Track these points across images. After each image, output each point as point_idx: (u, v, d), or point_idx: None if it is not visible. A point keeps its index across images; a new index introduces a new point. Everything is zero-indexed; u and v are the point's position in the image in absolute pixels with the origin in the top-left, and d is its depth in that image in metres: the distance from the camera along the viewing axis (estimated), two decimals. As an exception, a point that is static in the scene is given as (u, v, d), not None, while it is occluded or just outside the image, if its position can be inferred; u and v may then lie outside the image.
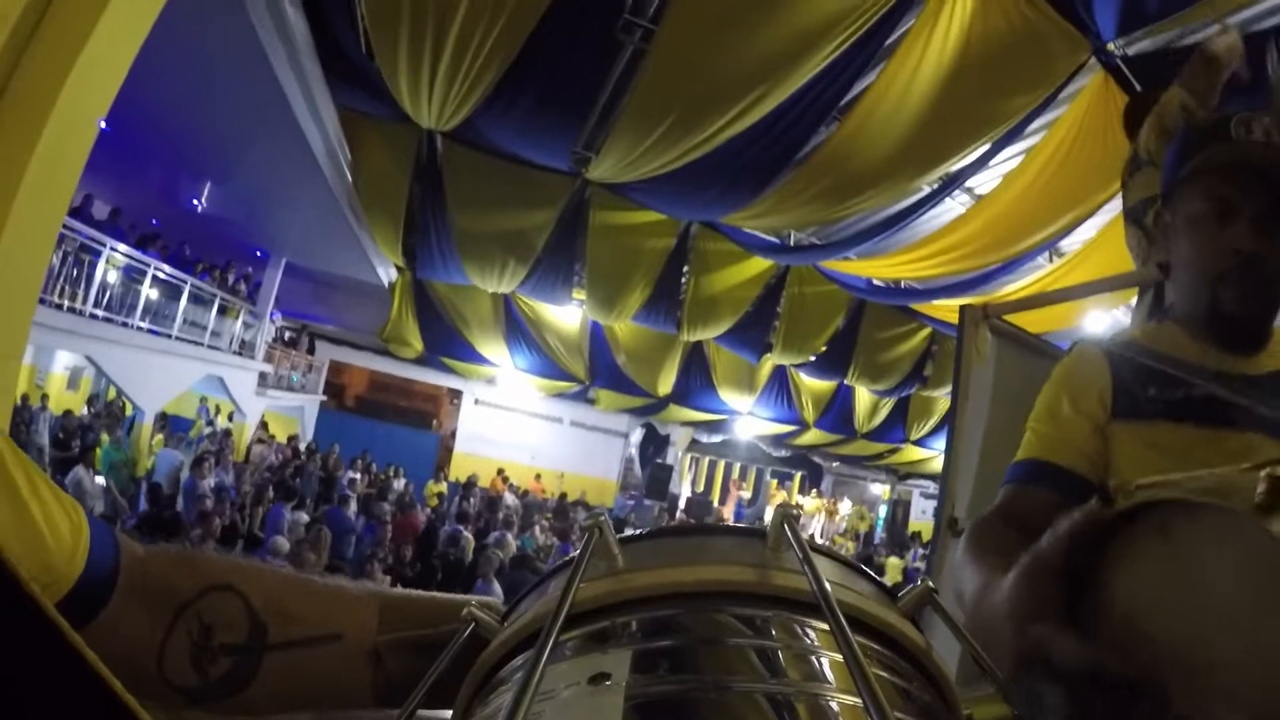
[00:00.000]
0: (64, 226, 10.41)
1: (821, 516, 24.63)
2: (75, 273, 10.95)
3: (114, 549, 0.69)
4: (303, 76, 8.32)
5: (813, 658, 0.49)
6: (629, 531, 0.64)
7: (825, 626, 0.48)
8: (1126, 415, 1.28)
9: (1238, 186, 1.23)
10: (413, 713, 0.55)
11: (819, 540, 17.06)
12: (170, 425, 14.91)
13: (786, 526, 0.58)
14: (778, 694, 0.45)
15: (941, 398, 20.25)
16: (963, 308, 3.42)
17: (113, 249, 11.69)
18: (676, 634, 0.51)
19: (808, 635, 0.51)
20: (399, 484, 16.48)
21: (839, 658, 0.46)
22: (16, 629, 0.39)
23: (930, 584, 0.61)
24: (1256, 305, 1.25)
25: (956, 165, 9.24)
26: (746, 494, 27.45)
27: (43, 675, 0.40)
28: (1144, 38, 7.25)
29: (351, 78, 9.06)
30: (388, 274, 16.49)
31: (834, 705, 0.44)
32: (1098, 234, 9.80)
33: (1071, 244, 10.84)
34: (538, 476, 22.09)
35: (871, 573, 0.64)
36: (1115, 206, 8.89)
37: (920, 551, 20.82)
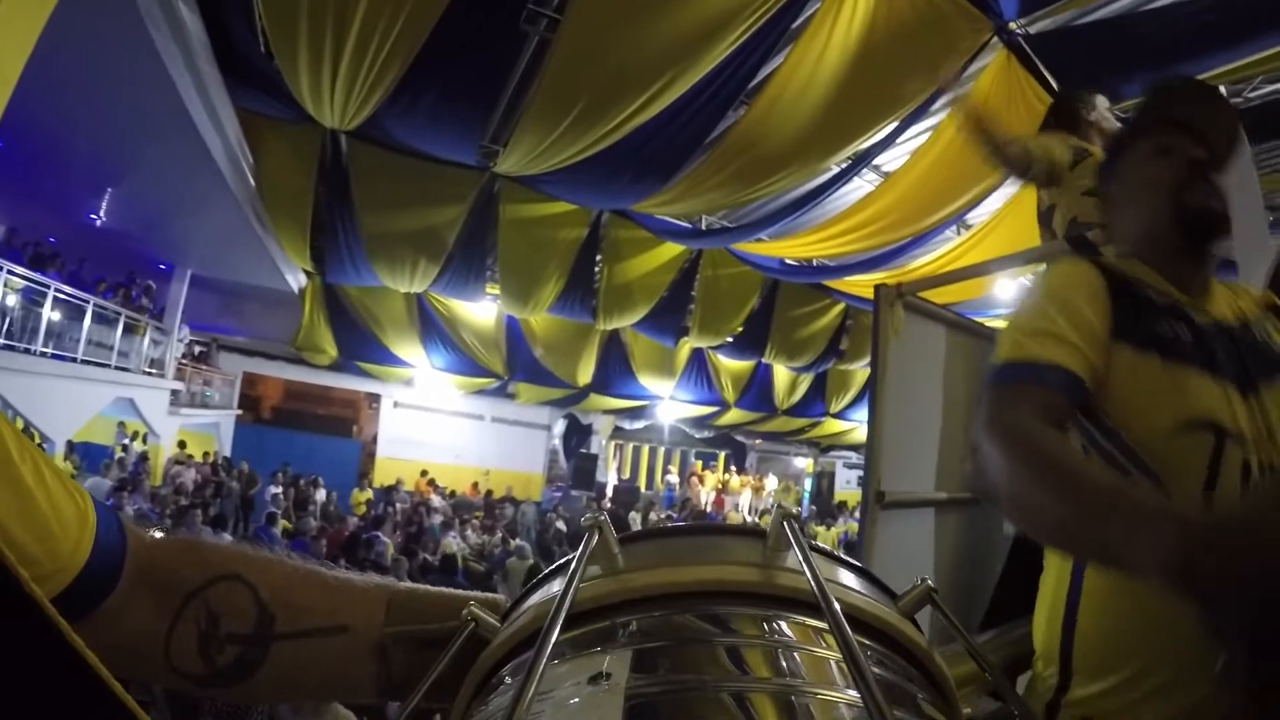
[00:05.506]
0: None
1: (748, 493, 24.89)
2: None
3: (120, 536, 0.69)
4: (199, 79, 8.04)
5: (812, 657, 0.49)
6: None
7: (825, 626, 0.49)
8: (1124, 338, 1.30)
9: (1175, 134, 1.44)
10: (413, 710, 0.56)
11: (746, 516, 17.19)
12: (84, 453, 14.39)
13: (786, 526, 0.58)
14: (777, 693, 0.45)
15: (859, 370, 20.62)
16: (877, 287, 3.51)
17: (9, 272, 11.24)
18: (676, 634, 0.52)
19: (807, 635, 0.51)
20: (320, 495, 16.18)
21: (839, 657, 0.46)
22: (14, 628, 0.39)
23: (930, 583, 0.60)
24: (1216, 202, 1.36)
25: (864, 144, 9.40)
26: (675, 478, 27.60)
27: (41, 675, 0.39)
28: (1044, 17, 7.49)
29: (250, 78, 8.79)
30: (297, 280, 16.04)
31: (834, 705, 0.44)
32: (1003, 206, 10.11)
33: (978, 216, 11.14)
34: (475, 484, 21.83)
35: (873, 573, 0.64)
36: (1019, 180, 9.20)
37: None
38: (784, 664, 0.48)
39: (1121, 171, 1.52)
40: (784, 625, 0.52)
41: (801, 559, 0.53)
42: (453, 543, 13.03)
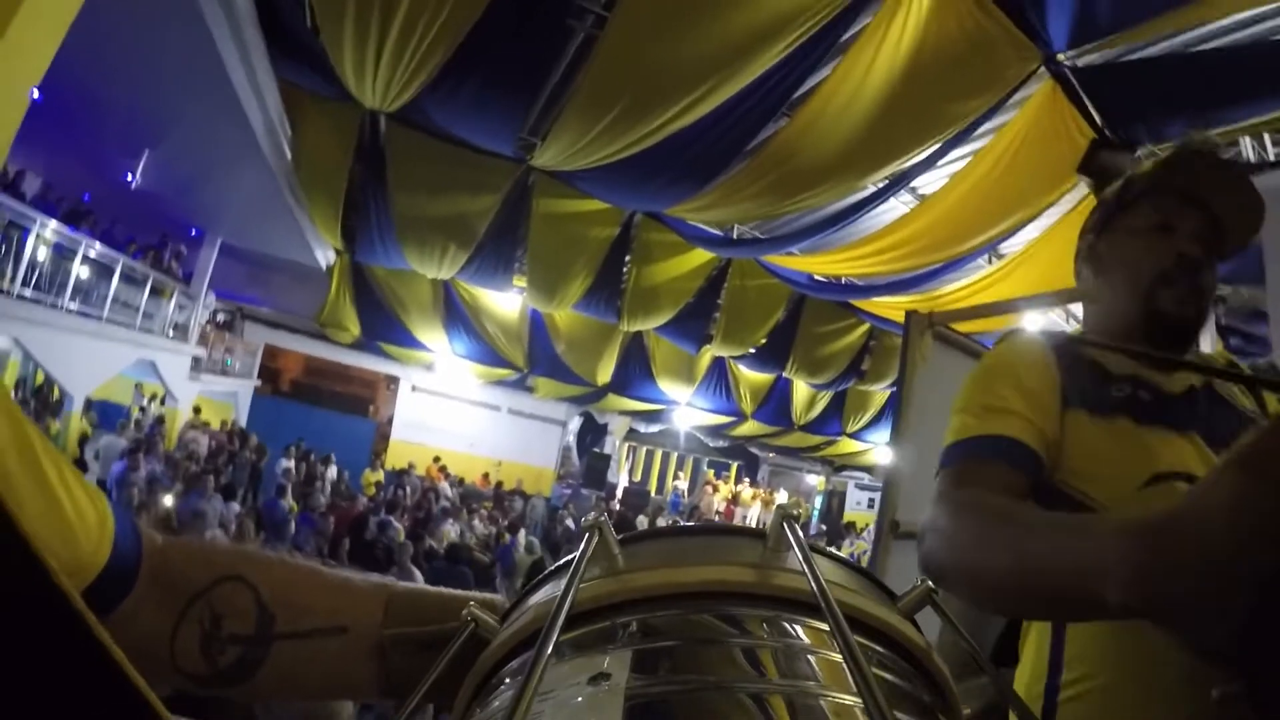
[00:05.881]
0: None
1: (758, 506, 24.88)
2: (3, 250, 10.57)
3: (136, 539, 0.71)
4: (244, 48, 8.10)
5: (813, 658, 0.49)
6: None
7: (825, 627, 0.48)
8: (1079, 405, 1.25)
9: (1179, 205, 1.33)
10: (412, 712, 0.55)
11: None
12: (102, 411, 14.48)
13: (787, 527, 0.57)
14: (778, 694, 0.45)
15: (879, 392, 20.57)
16: (909, 314, 3.46)
17: (42, 226, 11.33)
18: (677, 634, 0.52)
19: (808, 636, 0.51)
20: (331, 472, 16.25)
21: (839, 658, 0.45)
22: (44, 621, 0.39)
23: (930, 584, 0.60)
24: (1191, 309, 1.29)
25: (904, 165, 9.33)
26: (684, 485, 27.59)
27: (67, 669, 0.40)
28: (1093, 50, 7.41)
29: (294, 52, 8.85)
30: (326, 256, 16.14)
31: (834, 706, 0.44)
32: (1039, 236, 10.02)
33: (1011, 246, 11.04)
34: (486, 475, 21.87)
35: (872, 573, 0.63)
36: (1056, 211, 9.16)
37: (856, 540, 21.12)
38: (785, 665, 0.48)
39: (1119, 223, 1.43)
40: (784, 626, 0.52)
41: (801, 559, 0.53)
42: (451, 531, 13.03)
